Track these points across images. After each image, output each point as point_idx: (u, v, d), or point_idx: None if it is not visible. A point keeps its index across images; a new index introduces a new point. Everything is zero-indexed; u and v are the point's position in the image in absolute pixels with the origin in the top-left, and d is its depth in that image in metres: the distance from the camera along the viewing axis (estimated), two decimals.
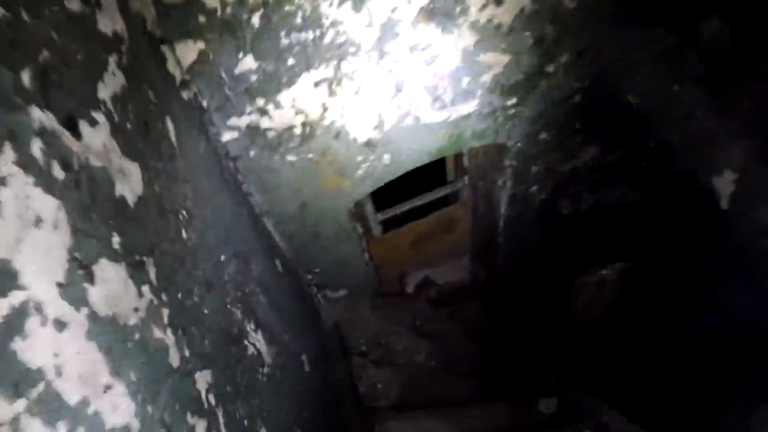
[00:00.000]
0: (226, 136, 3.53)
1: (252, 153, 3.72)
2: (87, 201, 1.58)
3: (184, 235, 2.24)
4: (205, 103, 3.26)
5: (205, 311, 2.21)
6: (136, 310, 1.68)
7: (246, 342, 2.65)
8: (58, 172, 1.48)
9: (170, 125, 2.54)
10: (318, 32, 3.16)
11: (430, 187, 5.59)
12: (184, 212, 2.33)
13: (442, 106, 3.95)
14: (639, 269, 4.86)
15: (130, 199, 1.85)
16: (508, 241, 5.98)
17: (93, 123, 1.74)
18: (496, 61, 3.81)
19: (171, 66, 2.89)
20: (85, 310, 1.42)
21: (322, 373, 4.72)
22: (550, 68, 4.06)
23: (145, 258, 1.82)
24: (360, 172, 4.20)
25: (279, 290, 4.07)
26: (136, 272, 1.74)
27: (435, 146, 4.31)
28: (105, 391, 1.42)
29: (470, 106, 4.07)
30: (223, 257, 2.72)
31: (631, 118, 4.38)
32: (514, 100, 4.20)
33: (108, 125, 1.83)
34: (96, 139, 1.73)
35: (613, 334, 5.18)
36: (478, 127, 4.29)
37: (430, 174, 5.50)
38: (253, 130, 3.56)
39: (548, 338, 5.87)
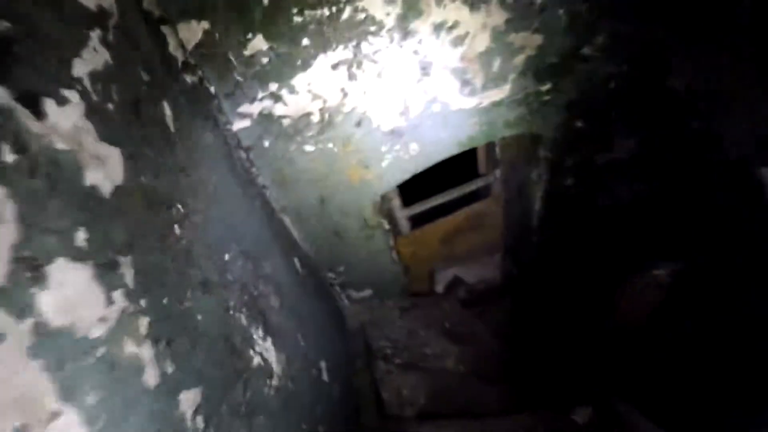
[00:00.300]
0: (238, 125, 3.31)
1: (266, 143, 3.49)
2: (44, 190, 1.34)
3: (176, 231, 1.98)
4: (212, 89, 3.05)
5: (199, 318, 1.93)
6: (102, 319, 1.42)
7: (251, 352, 2.37)
8: (8, 155, 1.25)
9: (167, 110, 2.31)
10: (334, 9, 2.92)
11: (461, 181, 5.32)
12: (179, 206, 2.07)
13: (472, 91, 3.67)
14: (691, 270, 4.48)
15: (106, 189, 1.60)
16: (542, 239, 5.66)
17: (62, 102, 1.51)
18: (528, 42, 3.53)
19: (172, 48, 2.68)
20: (29, 321, 1.18)
21: (344, 380, 4.46)
22: (586, 51, 3.77)
23: (120, 257, 1.56)
24: (385, 163, 3.92)
25: (296, 291, 3.83)
26: (106, 274, 1.48)
27: (465, 135, 4.03)
28: (50, 421, 1.16)
29: (502, 92, 3.79)
30: (227, 256, 2.46)
31: (672, 104, 4.08)
32: (548, 86, 3.91)
33: (83, 105, 1.60)
34: (64, 119, 1.50)
35: (659, 340, 4.80)
36: (511, 114, 4.00)
37: (460, 167, 5.26)
38: (267, 118, 3.33)
39: (586, 342, 5.51)
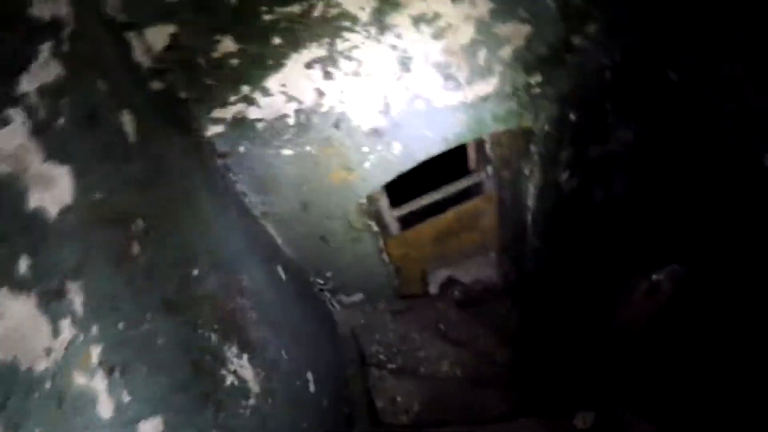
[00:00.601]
0: (210, 131, 3.24)
1: (242, 148, 3.43)
2: None
3: (135, 249, 1.92)
4: (182, 95, 2.97)
5: (160, 341, 1.88)
6: (48, 351, 1.37)
7: (223, 371, 2.32)
8: None
9: (129, 120, 2.25)
10: (306, 5, 2.84)
11: (452, 179, 5.30)
12: (139, 221, 2.01)
13: (457, 86, 3.60)
14: (695, 272, 4.40)
15: (52, 211, 1.54)
16: (538, 236, 5.58)
17: (4, 122, 1.45)
18: (515, 32, 3.46)
19: (138, 54, 2.63)
20: None
21: (335, 389, 4.42)
22: (578, 40, 3.70)
23: (68, 283, 1.51)
24: (367, 164, 3.85)
25: (279, 301, 3.81)
26: (52, 302, 1.43)
27: (451, 132, 3.96)
28: None
29: (489, 86, 3.72)
30: (196, 271, 2.40)
31: (670, 96, 4.00)
32: (538, 78, 3.84)
33: (28, 123, 1.54)
34: (6, 141, 1.44)
35: (659, 347, 4.73)
36: (500, 109, 3.93)
37: (451, 165, 5.21)
38: (241, 122, 3.26)
39: (587, 344, 5.46)
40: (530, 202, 5.10)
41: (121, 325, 1.68)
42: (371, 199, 4.61)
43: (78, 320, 1.50)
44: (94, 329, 1.55)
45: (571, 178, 4.96)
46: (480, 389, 5.37)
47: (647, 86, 4.14)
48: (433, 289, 6.50)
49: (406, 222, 5.44)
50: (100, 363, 1.54)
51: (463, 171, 5.38)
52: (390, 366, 5.56)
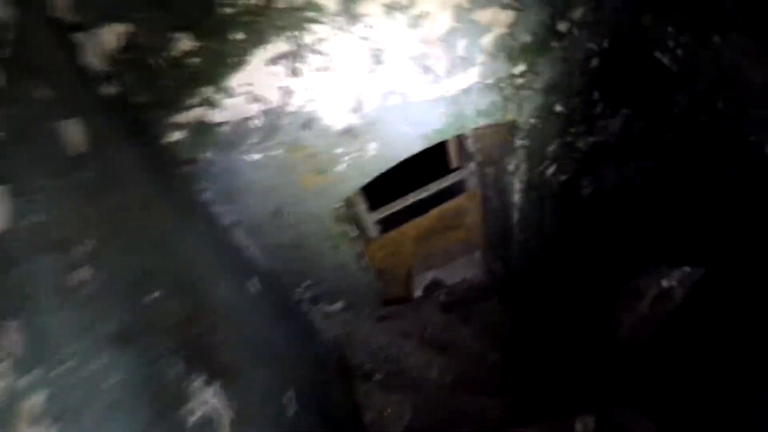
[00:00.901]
0: (171, 137, 3.05)
1: (206, 155, 3.24)
2: None
3: (83, 275, 1.75)
4: (138, 99, 2.80)
5: (115, 380, 1.70)
6: None
7: (191, 405, 2.15)
8: None
9: (77, 130, 2.07)
10: None
11: (433, 178, 5.18)
12: (88, 242, 1.84)
13: (435, 78, 3.46)
14: (710, 276, 4.22)
15: None
16: (525, 232, 5.54)
17: None
18: (497, 19, 3.32)
19: (90, 56, 2.46)
20: None
21: (319, 405, 4.27)
22: (563, 26, 3.60)
23: (4, 323, 1.34)
24: (342, 166, 3.70)
25: (254, 317, 3.65)
26: None
27: (431, 129, 3.83)
28: None
29: (470, 77, 3.59)
30: (156, 294, 2.22)
31: (660, 79, 3.91)
32: (522, 68, 3.72)
33: None
34: None
35: (667, 356, 4.57)
36: (482, 102, 3.81)
37: (431, 163, 5.09)
38: (203, 127, 3.08)
39: (583, 345, 5.34)
40: (516, 198, 5.03)
41: (68, 365, 1.51)
42: (348, 202, 4.48)
43: (17, 364, 1.33)
44: (37, 373, 1.39)
45: (559, 171, 4.90)
46: (473, 396, 5.27)
47: (637, 72, 4.06)
48: (417, 292, 6.42)
49: (387, 224, 5.33)
50: (44, 412, 1.37)
51: (445, 169, 5.25)
52: (377, 377, 5.44)
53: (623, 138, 4.75)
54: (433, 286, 6.46)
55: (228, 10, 2.65)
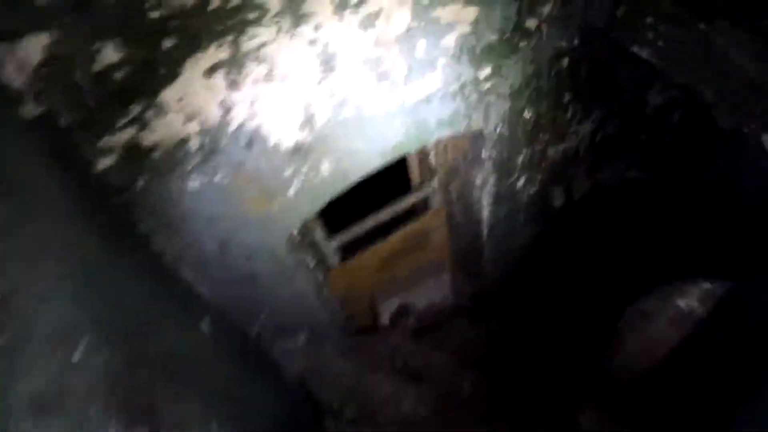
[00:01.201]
0: (100, 163, 2.57)
1: (140, 182, 2.77)
2: None
3: None
4: (63, 120, 2.36)
5: None
6: None
7: None
8: None
9: None
10: None
11: (394, 197, 4.77)
12: None
13: (393, 85, 3.07)
14: (737, 292, 3.76)
15: None
16: (496, 250, 5.24)
17: None
18: (459, 16, 2.96)
19: (8, 73, 2.10)
20: None
21: None
22: (531, 23, 3.27)
23: None
24: (292, 190, 3.27)
25: (206, 362, 3.26)
26: None
27: (389, 143, 3.44)
28: None
29: (431, 83, 3.21)
30: (79, 350, 1.82)
31: (637, 74, 3.75)
32: (488, 71, 3.37)
33: None
34: None
35: (683, 382, 4.03)
36: (445, 111, 3.45)
37: (391, 181, 4.70)
38: (134, 151, 2.62)
39: (573, 365, 4.93)
40: (485, 213, 4.72)
41: None
42: (303, 229, 4.07)
43: None
44: None
45: (529, 183, 4.61)
46: (450, 427, 4.88)
47: (609, 70, 3.84)
48: (384, 320, 6.02)
49: (348, 250, 4.94)
50: None
51: (406, 187, 4.86)
52: (347, 414, 5.06)
53: (594, 142, 4.50)
54: (402, 312, 6.07)
55: (155, 14, 2.22)
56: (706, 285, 3.57)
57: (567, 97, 3.96)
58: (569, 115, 4.12)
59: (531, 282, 5.56)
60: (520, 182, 4.52)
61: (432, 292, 6.09)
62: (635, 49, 3.40)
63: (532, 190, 4.70)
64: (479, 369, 5.60)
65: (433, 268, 5.84)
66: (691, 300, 3.59)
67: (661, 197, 4.42)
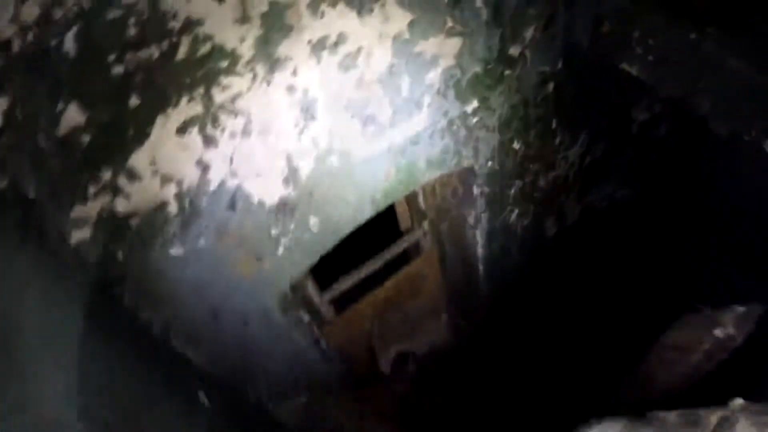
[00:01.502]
0: (75, 236, 2.31)
1: (119, 254, 2.50)
2: None
3: None
4: (30, 192, 2.10)
5: None
6: None
7: None
8: None
9: None
10: (165, 44, 2.04)
11: (383, 239, 4.58)
12: None
13: (379, 129, 2.87)
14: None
15: None
16: (492, 286, 5.03)
17: None
18: (442, 49, 2.79)
19: None
20: None
21: None
22: (515, 51, 3.12)
23: None
24: (281, 249, 3.03)
25: None
26: None
27: (379, 191, 3.22)
28: None
29: (418, 123, 3.02)
30: None
31: (623, 91, 3.61)
32: (474, 104, 3.20)
33: None
34: None
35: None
36: (434, 150, 3.26)
37: (380, 227, 4.44)
38: (110, 220, 2.37)
39: (584, 399, 4.66)
40: (479, 251, 4.52)
41: None
42: (296, 287, 3.82)
43: None
44: None
45: (522, 215, 4.43)
46: None
47: (595, 90, 3.70)
48: (385, 368, 5.76)
49: (341, 303, 4.72)
50: None
51: (395, 229, 4.66)
52: None
53: (583, 167, 4.35)
54: (402, 359, 5.86)
55: (119, 69, 2.01)
56: (740, 309, 3.28)
57: (555, 123, 3.81)
58: (557, 141, 3.97)
59: (533, 316, 5.34)
60: (513, 216, 4.35)
61: (431, 336, 5.89)
62: (624, 65, 3.26)
63: (526, 221, 4.52)
64: (488, 412, 5.38)
65: (430, 311, 5.64)
66: (727, 328, 3.28)
67: (657, 216, 4.24)
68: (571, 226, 4.85)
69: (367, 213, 3.29)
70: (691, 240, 3.97)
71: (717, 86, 2.97)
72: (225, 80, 2.23)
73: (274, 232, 2.89)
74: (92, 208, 2.27)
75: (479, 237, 4.35)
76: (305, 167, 2.75)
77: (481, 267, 4.73)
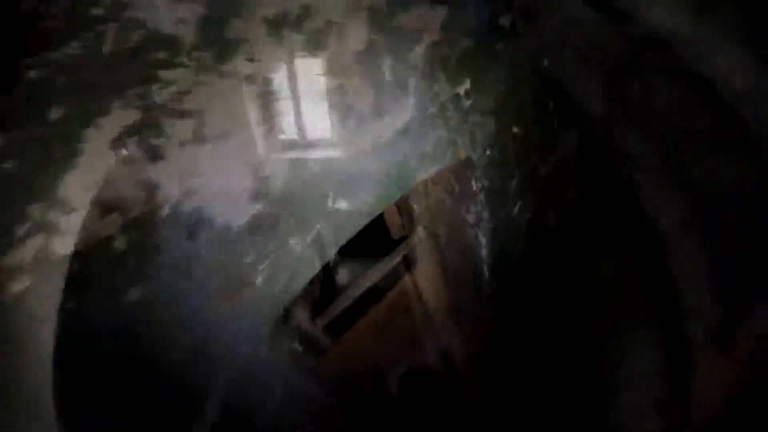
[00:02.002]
0: (13, 287, 1.83)
1: (69, 305, 1.98)
2: None
3: None
4: None
5: None
6: None
7: None
8: None
9: None
10: (89, 36, 1.61)
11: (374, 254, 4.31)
12: None
13: (360, 121, 2.40)
14: None
15: None
16: (497, 288, 4.57)
17: None
18: (426, 21, 2.37)
19: None
20: None
21: None
22: (505, 21, 2.71)
23: None
24: (261, 277, 2.53)
25: None
26: None
27: (370, 197, 2.74)
28: None
29: (405, 110, 2.57)
30: None
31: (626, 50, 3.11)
32: (466, 85, 2.76)
33: None
34: None
35: None
36: (427, 141, 2.81)
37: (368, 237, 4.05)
38: (48, 264, 1.87)
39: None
40: (483, 252, 4.13)
41: None
42: (285, 316, 3.43)
43: None
44: None
45: (524, 209, 4.03)
46: None
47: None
48: (392, 387, 5.36)
49: (337, 328, 4.37)
50: None
51: (387, 243, 4.35)
52: None
53: (582, 151, 3.89)
54: (410, 376, 5.43)
55: (37, 73, 1.58)
56: None
57: (553, 104, 3.41)
58: (556, 123, 3.56)
59: (542, 317, 4.96)
60: (516, 210, 3.94)
61: (437, 349, 5.49)
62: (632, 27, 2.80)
63: (527, 216, 4.11)
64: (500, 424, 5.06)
65: (435, 324, 5.31)
66: None
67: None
68: (573, 217, 4.44)
69: (356, 225, 2.83)
70: None
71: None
72: (165, 75, 1.76)
73: (247, 259, 2.40)
74: (26, 250, 1.80)
75: (482, 237, 3.96)
76: (278, 176, 2.27)
77: (487, 270, 4.34)
